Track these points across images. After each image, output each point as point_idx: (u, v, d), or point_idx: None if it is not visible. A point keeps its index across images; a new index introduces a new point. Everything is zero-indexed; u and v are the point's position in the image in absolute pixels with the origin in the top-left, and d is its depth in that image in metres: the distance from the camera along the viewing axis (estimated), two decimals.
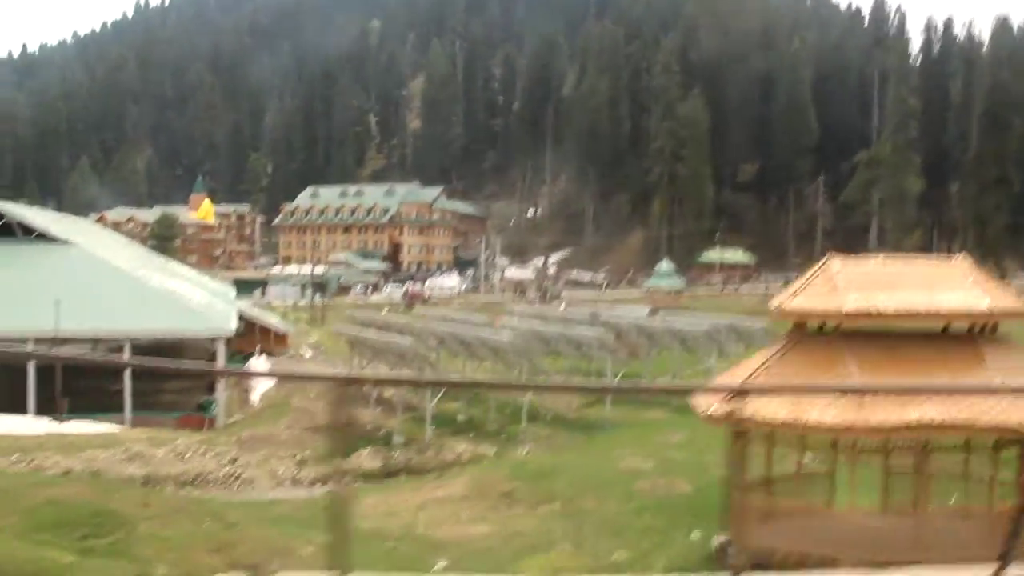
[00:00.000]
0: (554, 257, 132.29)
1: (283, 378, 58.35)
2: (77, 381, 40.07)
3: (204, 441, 37.46)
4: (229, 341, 49.53)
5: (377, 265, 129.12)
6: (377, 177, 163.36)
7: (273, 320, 68.17)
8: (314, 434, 40.79)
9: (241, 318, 62.07)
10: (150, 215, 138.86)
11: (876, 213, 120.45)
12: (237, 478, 34.22)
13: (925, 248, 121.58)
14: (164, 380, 47.68)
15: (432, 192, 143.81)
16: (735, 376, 15.09)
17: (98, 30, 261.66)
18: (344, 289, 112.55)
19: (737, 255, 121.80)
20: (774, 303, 14.98)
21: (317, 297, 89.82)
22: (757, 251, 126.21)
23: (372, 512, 20.51)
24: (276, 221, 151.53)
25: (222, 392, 45.21)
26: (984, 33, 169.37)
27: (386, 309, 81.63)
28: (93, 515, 13.33)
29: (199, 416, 43.76)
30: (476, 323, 49.27)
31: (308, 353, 64.97)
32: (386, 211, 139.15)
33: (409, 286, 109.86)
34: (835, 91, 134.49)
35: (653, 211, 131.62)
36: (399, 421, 39.83)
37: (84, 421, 38.17)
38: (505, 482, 20.91)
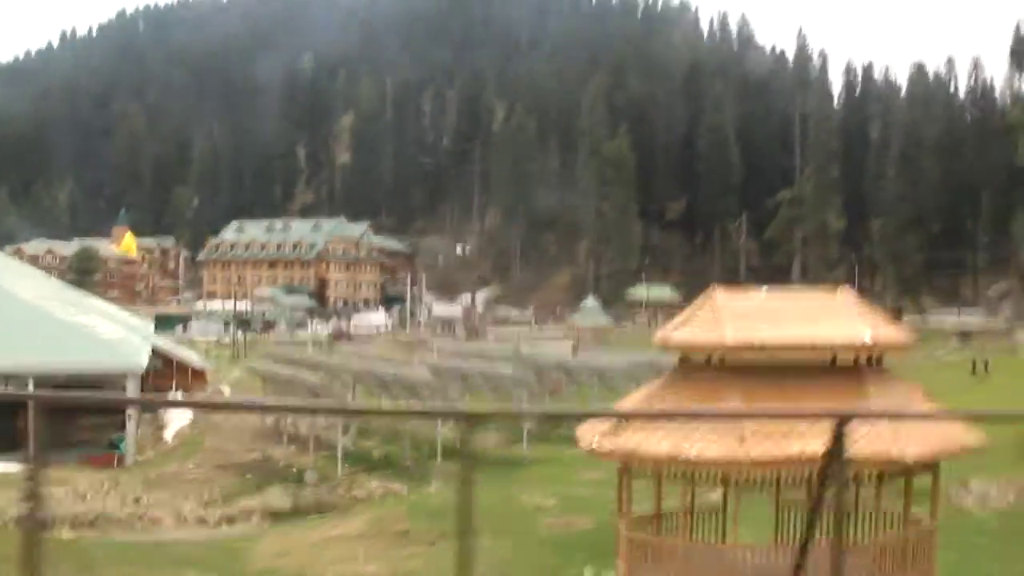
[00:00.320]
0: (482, 294, 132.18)
1: (195, 407, 56.86)
2: None
3: (108, 480, 36.32)
4: (145, 378, 48.30)
5: (303, 301, 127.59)
6: (306, 212, 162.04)
7: (192, 356, 66.72)
8: (224, 472, 39.90)
9: (158, 354, 60.65)
10: (69, 248, 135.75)
11: (799, 250, 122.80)
12: (140, 518, 33.18)
13: (847, 285, 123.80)
14: (74, 417, 46.28)
15: (359, 228, 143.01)
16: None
17: (21, 58, 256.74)
18: (269, 325, 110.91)
19: (664, 292, 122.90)
20: (658, 336, 14.95)
21: (239, 333, 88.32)
22: (683, 288, 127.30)
23: (266, 552, 19.99)
24: (201, 255, 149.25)
25: (132, 430, 44.01)
26: (901, 78, 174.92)
27: (310, 346, 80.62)
28: None
29: (108, 454, 42.45)
30: (393, 360, 48.76)
31: (227, 390, 63.70)
32: (312, 246, 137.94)
33: (336, 323, 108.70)
34: (759, 131, 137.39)
35: (580, 248, 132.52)
36: (313, 458, 39.09)
37: None
38: (403, 520, 20.53)
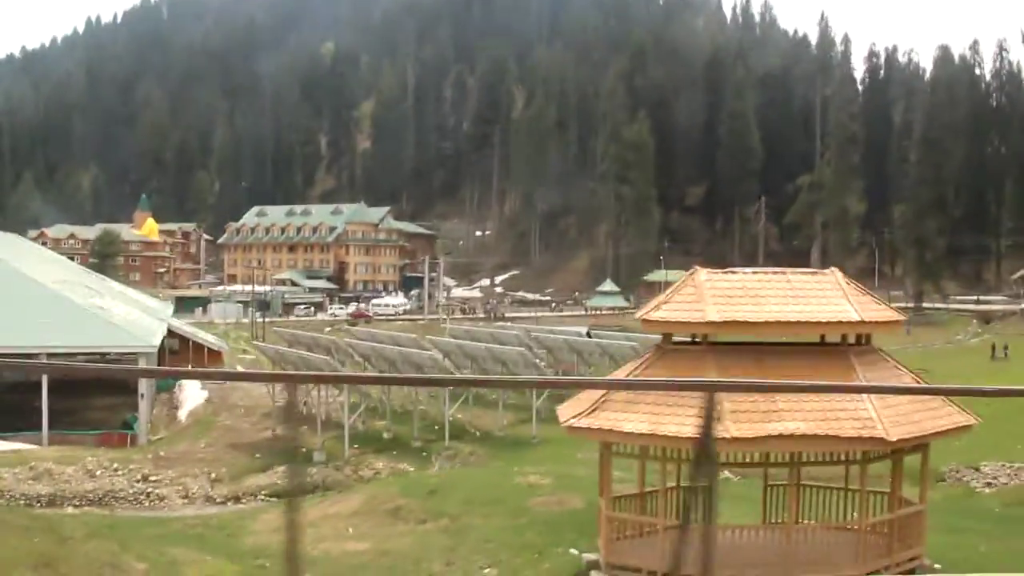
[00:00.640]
0: (501, 277, 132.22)
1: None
2: None
3: (118, 459, 36.65)
4: (160, 358, 48.66)
5: (322, 284, 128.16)
6: (327, 198, 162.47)
7: (209, 338, 67.14)
8: (234, 451, 40.21)
9: (174, 335, 61.18)
10: (91, 232, 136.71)
11: (819, 235, 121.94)
12: (148, 496, 33.54)
13: (868, 269, 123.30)
14: (90, 397, 46.73)
15: (379, 212, 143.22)
16: (596, 391, 14.91)
17: (48, 45, 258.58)
18: (288, 308, 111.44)
19: (682, 276, 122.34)
20: (639, 314, 14.88)
21: (257, 315, 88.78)
22: None
23: (262, 529, 20.13)
24: (222, 239, 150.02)
25: (145, 409, 44.41)
26: (925, 61, 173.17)
27: (328, 328, 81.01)
28: None
29: (121, 434, 42.86)
30: (405, 341, 48.90)
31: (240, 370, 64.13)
32: (332, 230, 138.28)
33: (356, 305, 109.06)
34: (780, 115, 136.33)
35: (599, 232, 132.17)
36: (322, 438, 39.29)
37: None
38: (396, 499, 20.58)
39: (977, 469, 31.81)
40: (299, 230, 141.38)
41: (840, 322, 14.73)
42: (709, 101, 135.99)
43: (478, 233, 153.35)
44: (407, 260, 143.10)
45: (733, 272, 15.73)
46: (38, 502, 30.84)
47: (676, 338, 15.14)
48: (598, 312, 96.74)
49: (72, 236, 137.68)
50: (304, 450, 39.33)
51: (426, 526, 18.39)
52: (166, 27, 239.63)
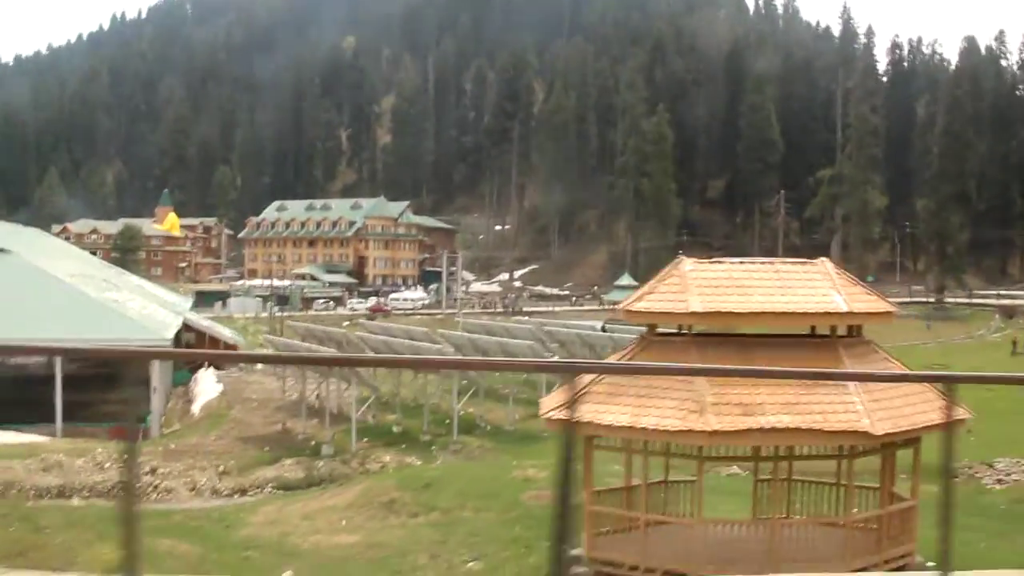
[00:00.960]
0: (520, 272, 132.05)
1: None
2: (10, 391, 39.49)
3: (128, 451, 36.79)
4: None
5: (342, 279, 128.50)
6: (347, 192, 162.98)
7: (225, 331, 67.53)
8: (244, 444, 40.37)
9: (191, 329, 61.55)
10: (113, 227, 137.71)
11: (839, 229, 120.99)
12: (155, 488, 33.67)
13: (890, 264, 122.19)
14: (105, 390, 47.02)
15: (398, 206, 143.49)
16: (579, 382, 14.75)
17: (73, 42, 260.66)
18: (308, 302, 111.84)
19: None
20: (622, 305, 14.72)
21: (276, 310, 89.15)
22: None
23: (258, 520, 20.14)
24: (242, 234, 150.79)
25: (158, 402, 44.66)
26: (950, 53, 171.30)
27: (346, 323, 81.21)
28: None
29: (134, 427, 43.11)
30: (417, 335, 48.90)
31: (258, 364, 64.37)
32: (352, 224, 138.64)
33: (375, 299, 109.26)
34: (802, 108, 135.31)
35: (619, 226, 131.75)
36: (331, 432, 39.37)
37: (8, 432, 37.48)
38: (392, 492, 20.54)
39: (991, 466, 31.39)
40: (319, 224, 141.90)
41: (828, 313, 14.50)
42: (729, 94, 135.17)
43: (498, 227, 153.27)
44: (426, 255, 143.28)
45: (720, 262, 15.52)
46: (47, 493, 31.09)
47: (661, 329, 14.97)
48: (616, 306, 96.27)
49: (95, 231, 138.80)
50: (313, 443, 39.53)
51: (417, 519, 18.35)
52: (189, 23, 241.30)
